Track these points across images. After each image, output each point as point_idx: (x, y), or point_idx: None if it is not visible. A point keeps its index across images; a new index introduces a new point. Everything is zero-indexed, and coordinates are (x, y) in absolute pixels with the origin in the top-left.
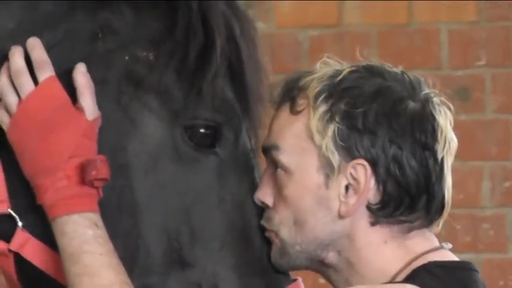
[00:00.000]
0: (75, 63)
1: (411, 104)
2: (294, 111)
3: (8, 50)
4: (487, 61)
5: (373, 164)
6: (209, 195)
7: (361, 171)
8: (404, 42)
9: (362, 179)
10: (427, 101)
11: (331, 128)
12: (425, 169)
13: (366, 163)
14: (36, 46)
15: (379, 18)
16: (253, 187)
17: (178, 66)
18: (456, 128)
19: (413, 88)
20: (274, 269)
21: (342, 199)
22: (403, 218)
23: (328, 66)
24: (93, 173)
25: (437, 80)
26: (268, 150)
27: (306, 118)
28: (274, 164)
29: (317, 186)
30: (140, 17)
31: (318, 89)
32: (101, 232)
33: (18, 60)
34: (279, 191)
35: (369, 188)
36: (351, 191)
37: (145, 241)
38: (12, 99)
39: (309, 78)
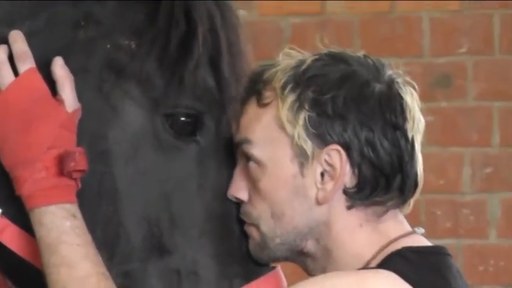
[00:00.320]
0: (57, 51)
1: (377, 86)
2: (261, 104)
3: None
4: (468, 49)
5: (347, 148)
6: (189, 183)
7: (336, 156)
8: (387, 30)
9: (337, 165)
10: (392, 81)
11: (302, 117)
12: (398, 149)
13: (340, 148)
14: (17, 39)
15: (361, 6)
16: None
17: (160, 55)
18: (438, 115)
19: (377, 71)
20: (254, 261)
21: (319, 186)
22: (378, 199)
23: (291, 57)
24: (72, 164)
25: (419, 67)
26: (239, 145)
27: (275, 109)
28: (246, 158)
29: (292, 176)
30: (122, 6)
31: (283, 80)
32: (79, 223)
33: None
34: (253, 185)
35: (345, 173)
36: (326, 177)
37: (126, 228)
38: None
39: (273, 70)
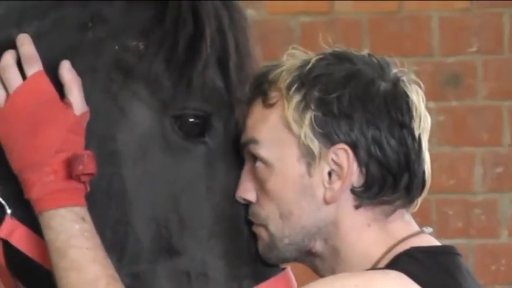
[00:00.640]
0: (65, 52)
1: (383, 85)
2: (267, 105)
3: None
4: (478, 48)
5: (354, 147)
6: (198, 184)
7: (343, 155)
8: (395, 29)
9: (345, 164)
10: (397, 80)
11: (308, 116)
12: (405, 147)
13: (347, 147)
14: (25, 42)
15: (370, 5)
16: None
17: (167, 56)
18: (448, 114)
19: (382, 69)
20: (263, 262)
21: (326, 185)
22: (386, 198)
23: (295, 58)
24: (80, 167)
25: (428, 66)
26: (246, 146)
27: (281, 110)
28: (253, 158)
29: (299, 175)
30: (130, 7)
31: (289, 80)
32: (88, 226)
33: (6, 55)
34: (260, 185)
35: (352, 172)
36: (334, 176)
37: (135, 229)
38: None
39: (278, 70)
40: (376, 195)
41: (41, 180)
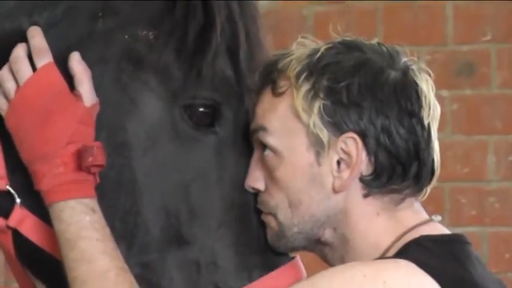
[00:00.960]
0: (75, 42)
1: (392, 73)
2: (276, 94)
3: (7, 29)
4: (492, 36)
5: (363, 136)
6: (208, 174)
7: (352, 144)
8: (410, 18)
9: (353, 153)
10: (407, 68)
11: (317, 105)
12: (414, 136)
13: (355, 136)
14: (35, 34)
15: None
16: None
17: (177, 46)
18: (461, 103)
19: (391, 58)
20: (273, 250)
21: (335, 174)
22: (395, 187)
23: (305, 46)
24: (90, 159)
25: (442, 55)
26: (255, 133)
27: (290, 98)
28: (262, 147)
29: (308, 164)
30: None
31: (298, 69)
32: (98, 218)
33: (17, 47)
34: (269, 174)
35: (361, 161)
36: (343, 165)
37: (144, 219)
38: (10, 85)
39: (287, 59)
40: (385, 183)
41: (51, 171)
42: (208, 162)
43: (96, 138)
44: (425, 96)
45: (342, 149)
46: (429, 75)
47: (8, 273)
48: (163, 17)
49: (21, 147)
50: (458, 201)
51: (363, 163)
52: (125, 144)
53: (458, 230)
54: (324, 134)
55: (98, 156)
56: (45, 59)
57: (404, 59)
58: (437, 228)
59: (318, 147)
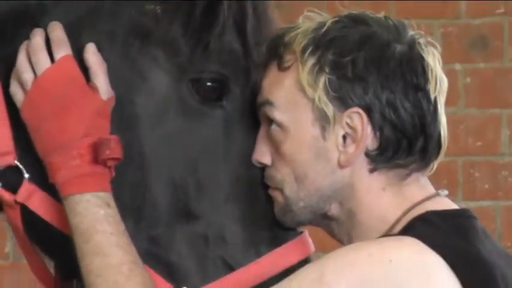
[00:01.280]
0: (83, 16)
1: (398, 47)
2: (282, 68)
3: (13, 4)
4: (505, 9)
5: (368, 110)
6: (216, 148)
7: (357, 119)
8: None
9: (359, 127)
10: (413, 42)
11: (322, 80)
12: (420, 110)
13: (361, 111)
14: (56, 28)
15: None
16: None
17: (185, 20)
18: (475, 76)
19: (398, 32)
20: (280, 225)
21: (341, 149)
22: (401, 162)
23: (311, 20)
24: (107, 152)
25: (455, 29)
26: (261, 107)
27: (296, 73)
28: (269, 122)
29: (314, 139)
30: None
31: (304, 43)
32: (112, 212)
33: (36, 38)
34: (276, 148)
35: (367, 135)
36: (348, 140)
37: (152, 193)
38: (28, 76)
39: (293, 33)
40: (390, 158)
41: (67, 163)
42: (215, 137)
43: None
44: (431, 70)
45: (347, 123)
46: (436, 48)
47: (16, 249)
48: None
49: (37, 138)
50: (472, 175)
51: (368, 138)
52: (133, 118)
53: (472, 204)
54: (329, 109)
55: (115, 150)
56: (63, 50)
57: (411, 33)
58: (444, 203)
59: (324, 121)
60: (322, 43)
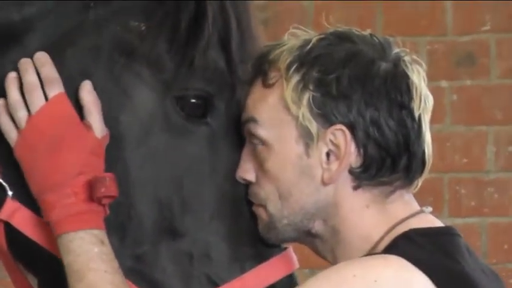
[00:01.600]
0: (67, 32)
1: (383, 65)
2: (266, 85)
3: None
4: (491, 26)
5: (352, 128)
6: (200, 166)
7: (341, 136)
8: (410, 8)
9: (342, 144)
10: (398, 60)
11: (306, 97)
12: (404, 128)
13: (344, 128)
14: (45, 62)
15: None
16: None
17: (169, 37)
18: (461, 93)
19: (383, 49)
20: (264, 242)
21: (324, 166)
22: (385, 179)
23: (296, 37)
24: (102, 190)
25: (442, 46)
26: (245, 124)
27: (280, 90)
28: (253, 139)
29: (298, 156)
30: None
31: (288, 60)
32: (106, 249)
33: (31, 75)
34: (260, 165)
35: (350, 152)
36: (332, 157)
37: (137, 211)
38: (22, 114)
39: (279, 50)
40: (374, 176)
41: (61, 201)
42: (200, 154)
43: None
44: (416, 88)
45: (330, 140)
46: (421, 66)
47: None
48: (155, 8)
49: (32, 176)
50: (458, 191)
51: (352, 155)
52: (117, 136)
53: (458, 221)
54: (313, 126)
55: (110, 187)
56: (56, 88)
57: (396, 50)
58: (428, 219)
59: (307, 139)
60: (307, 60)
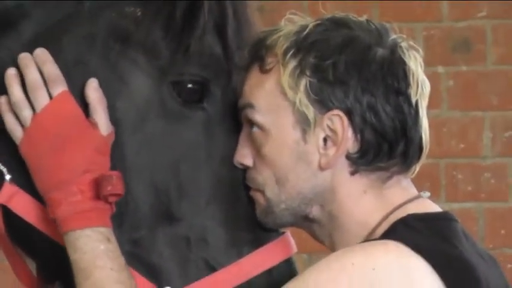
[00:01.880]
0: (63, 20)
1: (380, 51)
2: (263, 70)
3: None
4: (487, 12)
5: (349, 113)
6: (197, 151)
7: (338, 122)
8: None
9: (339, 130)
10: (395, 46)
11: (303, 83)
12: (401, 114)
13: (341, 113)
14: (46, 60)
15: None
16: None
17: (165, 23)
18: (457, 79)
19: (380, 35)
20: (262, 226)
21: (322, 151)
22: (382, 165)
23: (293, 23)
24: (109, 188)
25: (438, 32)
26: (242, 110)
27: (277, 75)
28: (250, 124)
29: (295, 141)
30: None
31: (285, 46)
32: (113, 247)
33: (34, 73)
34: (257, 151)
35: (347, 138)
36: (329, 142)
37: (134, 196)
38: (27, 113)
39: (276, 36)
40: (371, 161)
41: (67, 199)
42: (197, 139)
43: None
44: (413, 74)
45: (327, 126)
46: (418, 52)
47: None
48: None
49: (37, 175)
50: (454, 177)
51: (349, 140)
52: (114, 122)
53: (454, 206)
54: (310, 112)
55: (117, 185)
56: (59, 86)
57: (393, 36)
58: (426, 205)
59: (304, 124)
60: (304, 46)
